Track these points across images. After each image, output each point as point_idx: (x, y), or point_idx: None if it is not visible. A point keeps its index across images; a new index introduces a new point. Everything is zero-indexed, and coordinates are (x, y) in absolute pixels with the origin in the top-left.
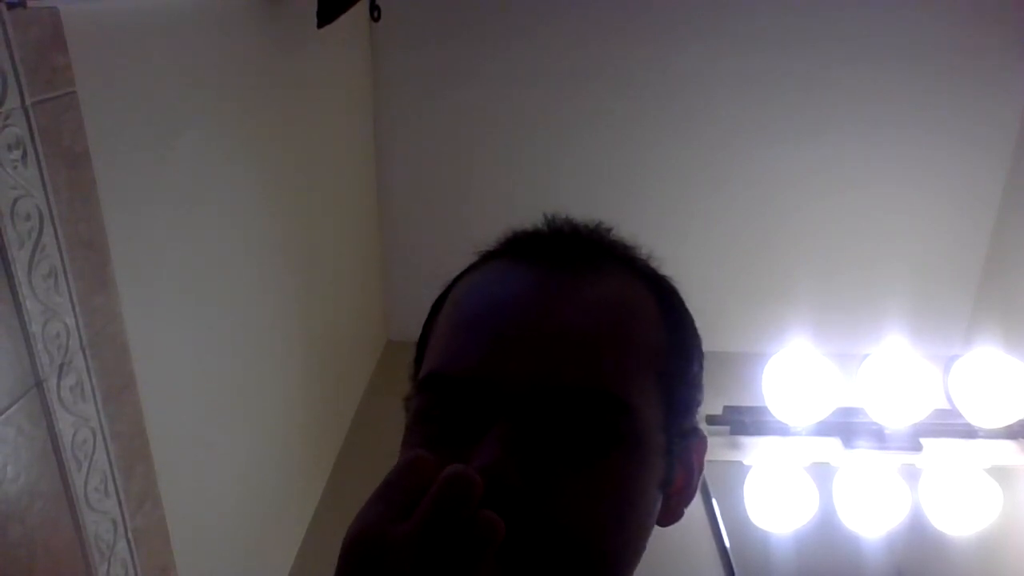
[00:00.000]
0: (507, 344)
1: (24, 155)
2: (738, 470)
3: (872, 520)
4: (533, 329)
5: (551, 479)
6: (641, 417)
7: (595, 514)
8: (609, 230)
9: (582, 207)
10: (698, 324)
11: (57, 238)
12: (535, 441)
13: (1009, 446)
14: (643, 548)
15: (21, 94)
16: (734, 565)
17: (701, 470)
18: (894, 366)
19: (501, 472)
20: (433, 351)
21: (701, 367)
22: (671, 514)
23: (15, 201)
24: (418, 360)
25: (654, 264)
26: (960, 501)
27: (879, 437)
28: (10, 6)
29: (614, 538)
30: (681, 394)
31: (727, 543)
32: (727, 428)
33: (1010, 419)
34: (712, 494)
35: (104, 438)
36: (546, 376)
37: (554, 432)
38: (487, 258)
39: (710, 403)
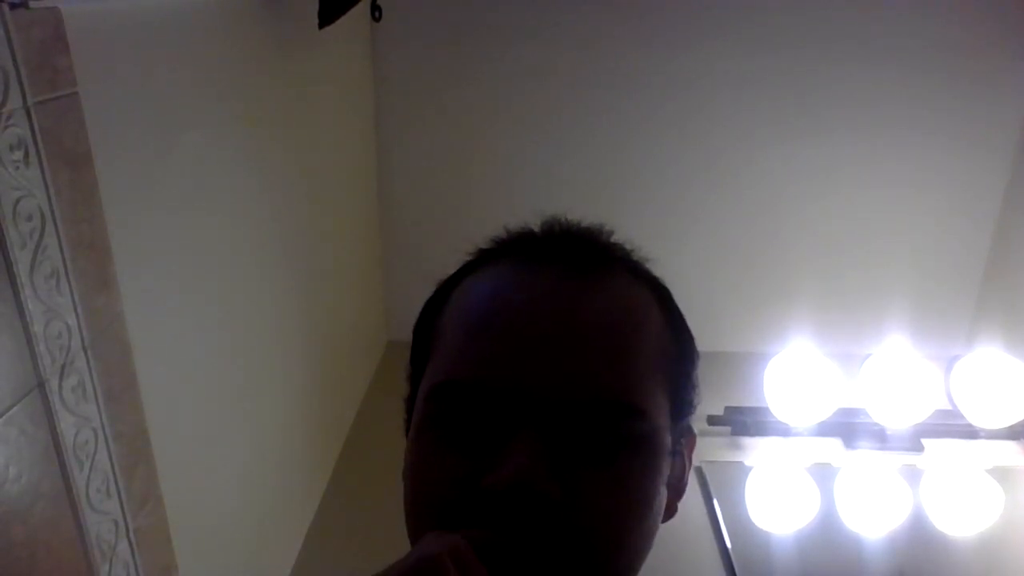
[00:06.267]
0: (532, 353)
1: (26, 155)
2: (739, 471)
3: (873, 521)
4: (557, 339)
5: (576, 485)
6: (655, 422)
7: (618, 518)
8: (611, 233)
9: (583, 207)
10: (699, 324)
11: (59, 238)
12: (558, 448)
13: (1010, 447)
14: (652, 546)
15: (23, 94)
16: (735, 566)
17: (691, 465)
18: (896, 366)
19: (532, 480)
20: (445, 355)
21: (697, 368)
22: (669, 510)
23: (17, 201)
24: (415, 361)
25: (651, 267)
26: (961, 502)
27: (880, 438)
28: (12, 6)
29: (636, 540)
30: (684, 396)
31: (728, 544)
32: (728, 428)
33: (1012, 420)
34: (713, 495)
35: (106, 438)
36: (573, 389)
37: (577, 440)
38: (487, 258)
39: (711, 403)
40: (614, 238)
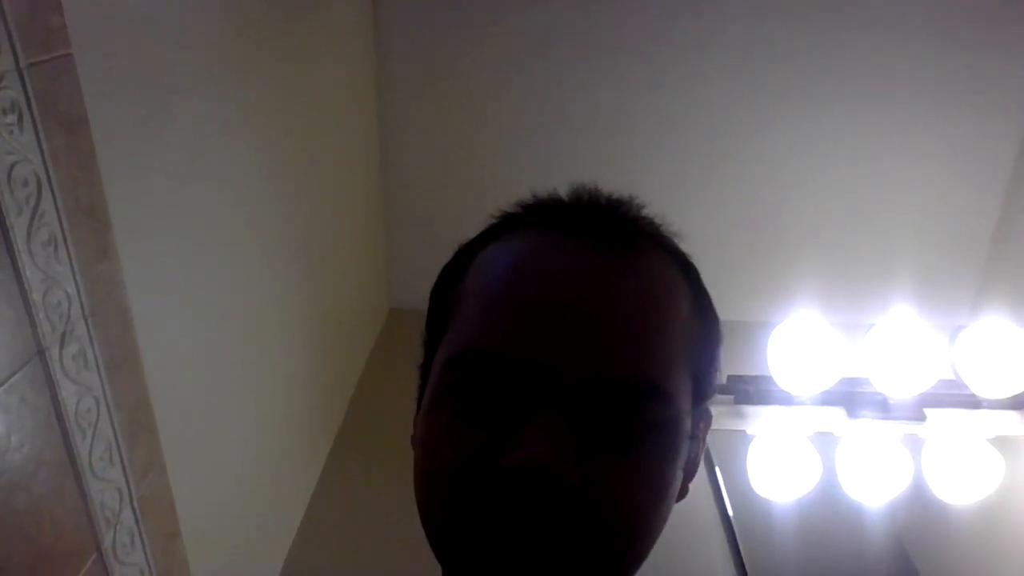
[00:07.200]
0: (557, 329)
1: (20, 119)
2: (742, 439)
3: (875, 490)
4: (584, 314)
5: (595, 470)
6: (679, 407)
7: (636, 506)
8: (640, 206)
9: (587, 175)
10: None
11: (56, 205)
12: (579, 429)
13: (1013, 416)
14: (663, 528)
15: (15, 56)
16: (737, 534)
17: (705, 446)
18: (900, 336)
19: (549, 464)
20: (466, 324)
21: (720, 349)
22: (682, 491)
23: (12, 167)
24: (431, 326)
25: (679, 242)
26: (963, 471)
27: (883, 407)
28: None
29: (651, 527)
30: (707, 378)
31: (730, 512)
32: (731, 397)
33: (1014, 389)
34: (716, 463)
35: (108, 407)
36: (599, 367)
37: (599, 421)
38: (512, 224)
39: None
40: (645, 211)
